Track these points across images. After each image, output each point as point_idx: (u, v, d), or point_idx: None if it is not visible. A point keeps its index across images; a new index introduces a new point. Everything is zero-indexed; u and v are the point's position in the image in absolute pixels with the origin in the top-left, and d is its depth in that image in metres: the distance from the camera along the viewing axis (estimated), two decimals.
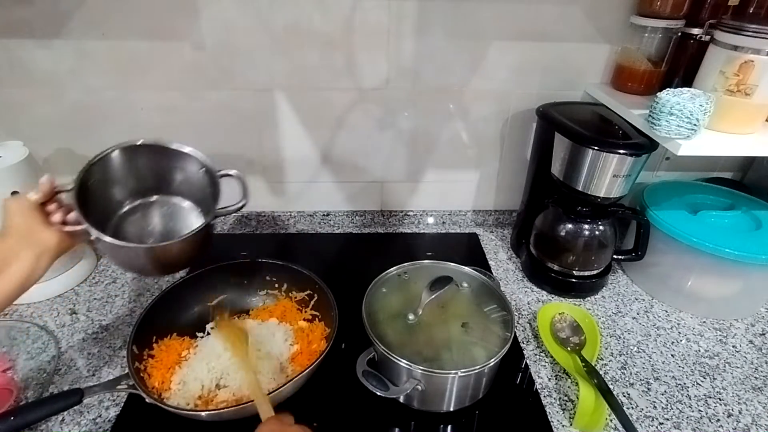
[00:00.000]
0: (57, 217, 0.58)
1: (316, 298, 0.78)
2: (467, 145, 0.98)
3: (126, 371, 0.62)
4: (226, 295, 0.80)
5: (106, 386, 0.60)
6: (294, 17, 0.82)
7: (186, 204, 0.72)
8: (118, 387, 0.60)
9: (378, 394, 0.61)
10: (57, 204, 0.59)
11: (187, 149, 0.71)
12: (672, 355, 0.76)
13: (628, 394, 0.70)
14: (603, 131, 0.79)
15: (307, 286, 0.78)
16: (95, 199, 0.64)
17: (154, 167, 0.73)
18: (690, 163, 1.04)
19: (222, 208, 0.68)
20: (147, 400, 0.58)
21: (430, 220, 1.08)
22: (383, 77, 0.89)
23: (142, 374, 0.65)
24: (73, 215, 0.59)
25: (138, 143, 0.70)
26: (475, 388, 0.66)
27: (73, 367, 0.72)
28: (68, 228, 0.58)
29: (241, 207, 0.69)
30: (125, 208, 0.72)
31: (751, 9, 0.76)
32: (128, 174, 0.71)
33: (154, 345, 0.70)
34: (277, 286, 0.81)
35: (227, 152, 0.96)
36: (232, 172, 0.71)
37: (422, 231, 1.08)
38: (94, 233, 0.59)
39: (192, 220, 0.72)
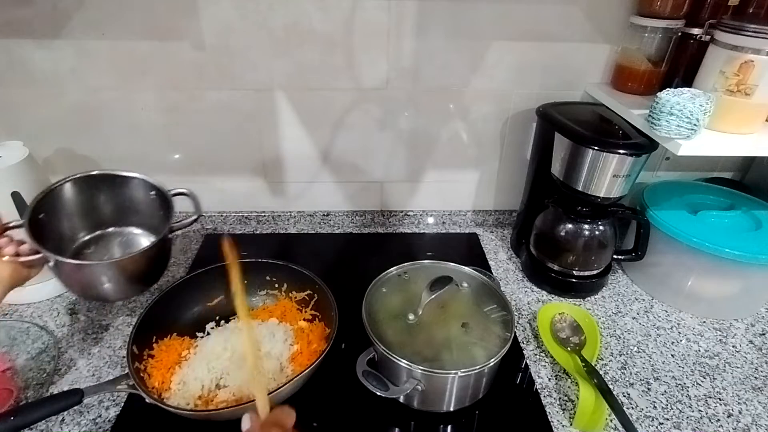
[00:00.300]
0: (9, 249, 0.60)
1: (316, 298, 0.77)
2: (467, 145, 0.98)
3: (126, 371, 0.62)
4: (223, 297, 0.80)
5: (106, 386, 0.60)
6: (294, 17, 0.82)
7: (140, 231, 0.74)
8: (119, 387, 0.60)
9: (378, 394, 0.61)
10: (8, 238, 0.62)
11: (137, 174, 0.75)
12: (672, 355, 0.76)
13: (628, 394, 0.70)
14: (603, 131, 0.79)
15: (307, 286, 0.78)
16: (49, 231, 0.67)
17: (107, 198, 0.76)
18: (690, 163, 1.04)
19: (176, 223, 0.72)
20: (147, 400, 0.58)
21: (430, 220, 1.08)
22: (383, 77, 0.89)
23: (142, 374, 0.65)
24: (26, 247, 0.61)
25: (91, 173, 0.73)
26: (475, 388, 0.66)
27: (73, 367, 0.72)
28: (22, 259, 0.61)
29: (195, 220, 0.74)
30: (81, 240, 0.74)
31: (751, 9, 0.76)
32: (82, 206, 0.75)
33: (154, 345, 0.70)
34: (277, 286, 0.81)
35: (227, 152, 0.96)
36: (185, 190, 0.75)
37: (422, 231, 1.08)
38: (53, 258, 0.62)
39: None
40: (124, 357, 0.70)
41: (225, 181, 1.00)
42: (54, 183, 0.71)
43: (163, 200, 0.74)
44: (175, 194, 0.74)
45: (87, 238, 0.76)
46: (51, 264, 0.64)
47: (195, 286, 0.77)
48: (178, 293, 0.75)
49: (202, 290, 0.78)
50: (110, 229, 0.72)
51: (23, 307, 0.82)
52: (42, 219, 0.68)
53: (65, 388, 0.68)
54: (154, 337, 0.71)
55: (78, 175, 0.72)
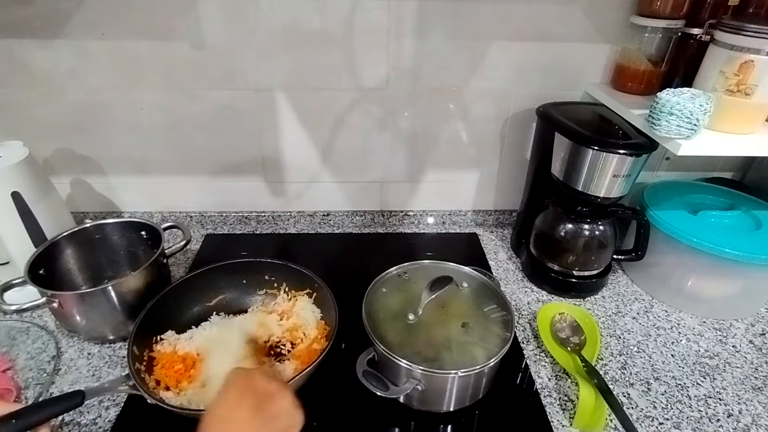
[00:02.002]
0: None
1: (315, 296, 0.77)
2: (467, 145, 0.98)
3: (126, 371, 0.62)
4: (225, 295, 0.80)
5: (108, 387, 0.60)
6: (294, 17, 0.82)
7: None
8: (120, 388, 0.60)
9: (378, 394, 0.61)
10: None
11: (126, 218, 0.83)
12: (672, 355, 0.76)
13: (628, 394, 0.70)
14: (603, 131, 0.79)
15: (306, 286, 0.78)
16: (51, 287, 0.70)
17: (102, 248, 0.82)
18: (690, 163, 1.04)
19: (169, 248, 0.80)
20: (149, 401, 0.58)
21: (430, 220, 1.08)
22: (383, 77, 0.89)
23: (142, 375, 0.65)
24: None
25: (84, 227, 0.80)
26: (475, 388, 0.66)
27: (73, 367, 0.72)
28: None
29: (185, 245, 0.82)
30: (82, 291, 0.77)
31: (751, 9, 0.76)
32: (79, 260, 0.80)
33: (154, 345, 0.70)
34: (276, 285, 0.81)
35: (227, 152, 0.96)
36: (174, 223, 0.85)
37: (422, 231, 1.08)
38: (58, 295, 0.67)
39: None
40: (124, 357, 0.70)
41: (225, 181, 1.00)
42: (49, 240, 0.76)
43: (155, 236, 0.79)
44: (166, 228, 0.82)
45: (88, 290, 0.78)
46: (55, 305, 0.68)
47: (194, 287, 0.77)
48: (177, 293, 0.75)
49: (201, 290, 0.78)
50: (112, 282, 0.72)
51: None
52: (42, 275, 0.72)
53: (65, 388, 0.68)
54: (155, 338, 0.71)
55: (71, 230, 0.79)
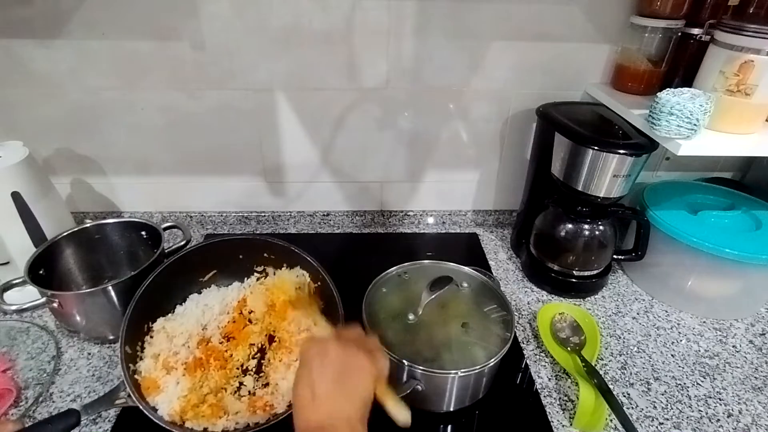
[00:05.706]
0: None
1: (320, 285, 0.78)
2: (467, 145, 0.98)
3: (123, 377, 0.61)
4: (215, 272, 0.80)
5: (103, 402, 0.59)
6: (294, 17, 0.82)
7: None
8: (116, 402, 0.59)
9: None
10: None
11: (127, 218, 0.84)
12: (672, 355, 0.76)
13: (628, 394, 0.70)
14: (603, 131, 0.79)
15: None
16: (51, 287, 0.70)
17: (102, 249, 0.82)
18: (690, 163, 1.04)
19: (168, 248, 0.80)
20: (146, 413, 0.57)
21: (430, 220, 1.08)
22: (383, 77, 0.89)
23: (137, 377, 0.63)
24: None
25: (84, 227, 0.80)
26: (475, 388, 0.66)
27: (73, 367, 0.72)
28: None
29: (185, 245, 0.82)
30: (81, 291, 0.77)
31: (751, 9, 0.76)
32: (80, 261, 0.81)
33: (146, 338, 0.69)
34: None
35: (227, 152, 0.96)
36: (174, 223, 0.86)
37: (422, 231, 1.08)
38: (58, 295, 0.67)
39: None
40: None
41: (225, 181, 1.00)
42: (49, 240, 0.76)
43: (155, 236, 0.79)
44: (166, 228, 0.82)
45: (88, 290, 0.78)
46: (55, 305, 0.68)
47: (177, 273, 0.75)
48: (160, 286, 0.72)
49: (185, 273, 0.77)
50: (112, 282, 0.71)
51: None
52: (42, 275, 0.72)
53: (65, 388, 0.68)
54: (146, 326, 0.70)
55: (71, 230, 0.78)
